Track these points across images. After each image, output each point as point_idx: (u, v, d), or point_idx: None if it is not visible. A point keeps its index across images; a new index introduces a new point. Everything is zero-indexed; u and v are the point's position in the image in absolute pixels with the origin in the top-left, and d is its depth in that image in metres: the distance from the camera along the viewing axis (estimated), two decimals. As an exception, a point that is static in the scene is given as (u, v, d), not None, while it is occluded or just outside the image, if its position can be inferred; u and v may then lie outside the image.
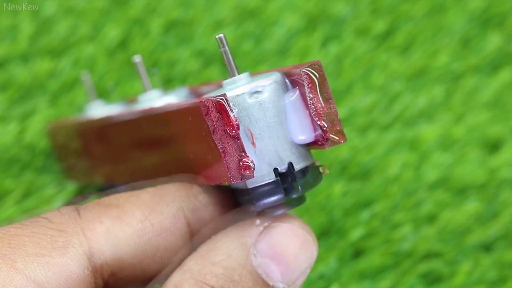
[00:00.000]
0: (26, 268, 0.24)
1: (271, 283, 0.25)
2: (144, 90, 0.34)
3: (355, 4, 0.52)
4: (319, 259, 0.39)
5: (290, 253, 0.26)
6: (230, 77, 0.27)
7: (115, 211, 0.25)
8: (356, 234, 0.40)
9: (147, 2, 0.49)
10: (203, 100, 0.25)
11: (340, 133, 0.26)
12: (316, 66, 0.26)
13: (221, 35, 0.27)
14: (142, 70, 0.34)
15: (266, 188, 0.26)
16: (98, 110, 0.38)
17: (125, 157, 0.33)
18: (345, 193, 0.42)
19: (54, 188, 0.41)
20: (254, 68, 0.47)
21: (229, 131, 0.25)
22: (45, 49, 0.46)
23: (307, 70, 0.26)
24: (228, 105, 0.25)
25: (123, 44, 0.47)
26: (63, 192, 0.41)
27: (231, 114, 0.25)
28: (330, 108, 0.26)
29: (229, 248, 0.25)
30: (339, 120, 0.26)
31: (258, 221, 0.26)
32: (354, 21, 0.51)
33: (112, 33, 0.47)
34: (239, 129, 0.25)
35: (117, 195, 0.26)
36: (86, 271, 0.24)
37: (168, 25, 0.48)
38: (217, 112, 0.25)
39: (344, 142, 0.26)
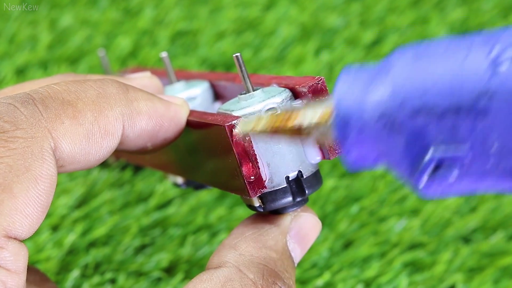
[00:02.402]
0: (22, 191, 0.23)
1: (295, 262, 0.27)
2: (170, 82, 0.33)
3: (346, 16, 0.52)
4: (312, 250, 0.38)
5: (311, 238, 0.27)
6: (246, 92, 0.26)
7: (71, 111, 0.24)
8: (346, 226, 0.39)
9: (155, 15, 0.49)
10: (220, 123, 0.25)
11: None
12: (320, 83, 0.25)
13: (238, 54, 0.26)
14: (168, 64, 0.33)
15: (276, 193, 0.26)
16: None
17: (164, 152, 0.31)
18: (336, 188, 0.41)
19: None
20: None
21: (243, 151, 0.24)
22: (62, 56, 0.45)
23: (311, 88, 0.25)
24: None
25: (133, 53, 0.47)
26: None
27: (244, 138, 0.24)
28: None
29: (275, 234, 0.26)
30: None
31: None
32: (344, 32, 0.50)
33: (124, 42, 0.46)
34: (252, 148, 0.24)
35: (65, 87, 0.25)
36: (53, 167, 0.24)
37: (175, 35, 0.48)
38: (231, 135, 0.24)
39: None
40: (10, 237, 0.22)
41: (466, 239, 0.40)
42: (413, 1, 0.53)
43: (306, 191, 0.26)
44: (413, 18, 0.52)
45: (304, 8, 0.51)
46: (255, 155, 0.24)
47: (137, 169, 0.42)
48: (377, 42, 0.50)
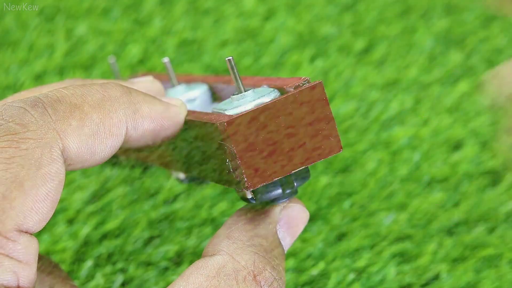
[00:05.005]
0: (33, 188, 0.23)
1: (285, 249, 0.27)
2: (172, 85, 0.33)
3: (339, 26, 0.51)
4: (308, 241, 0.38)
5: (299, 227, 0.27)
6: (238, 92, 0.26)
7: (78, 113, 0.24)
8: (339, 220, 0.39)
9: (163, 25, 0.49)
10: (213, 121, 0.24)
11: (337, 144, 0.24)
12: (306, 83, 0.24)
13: (230, 57, 0.26)
14: (170, 69, 0.32)
15: (267, 186, 0.26)
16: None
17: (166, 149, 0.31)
18: (330, 185, 0.41)
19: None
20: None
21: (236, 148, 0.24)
22: (77, 63, 0.45)
23: (297, 88, 0.24)
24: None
25: (143, 60, 0.47)
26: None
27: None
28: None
29: (266, 224, 0.27)
30: (336, 132, 0.24)
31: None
32: (337, 40, 0.50)
33: (134, 50, 0.46)
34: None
35: (72, 91, 0.25)
36: (62, 165, 0.24)
37: (181, 44, 0.48)
38: (224, 132, 0.24)
39: (340, 151, 0.24)
40: (22, 231, 0.23)
41: (450, 232, 0.40)
42: (401, 12, 0.53)
43: (295, 184, 0.26)
44: (401, 28, 0.52)
45: (300, 19, 0.51)
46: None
47: (146, 167, 0.41)
48: (367, 50, 0.50)
